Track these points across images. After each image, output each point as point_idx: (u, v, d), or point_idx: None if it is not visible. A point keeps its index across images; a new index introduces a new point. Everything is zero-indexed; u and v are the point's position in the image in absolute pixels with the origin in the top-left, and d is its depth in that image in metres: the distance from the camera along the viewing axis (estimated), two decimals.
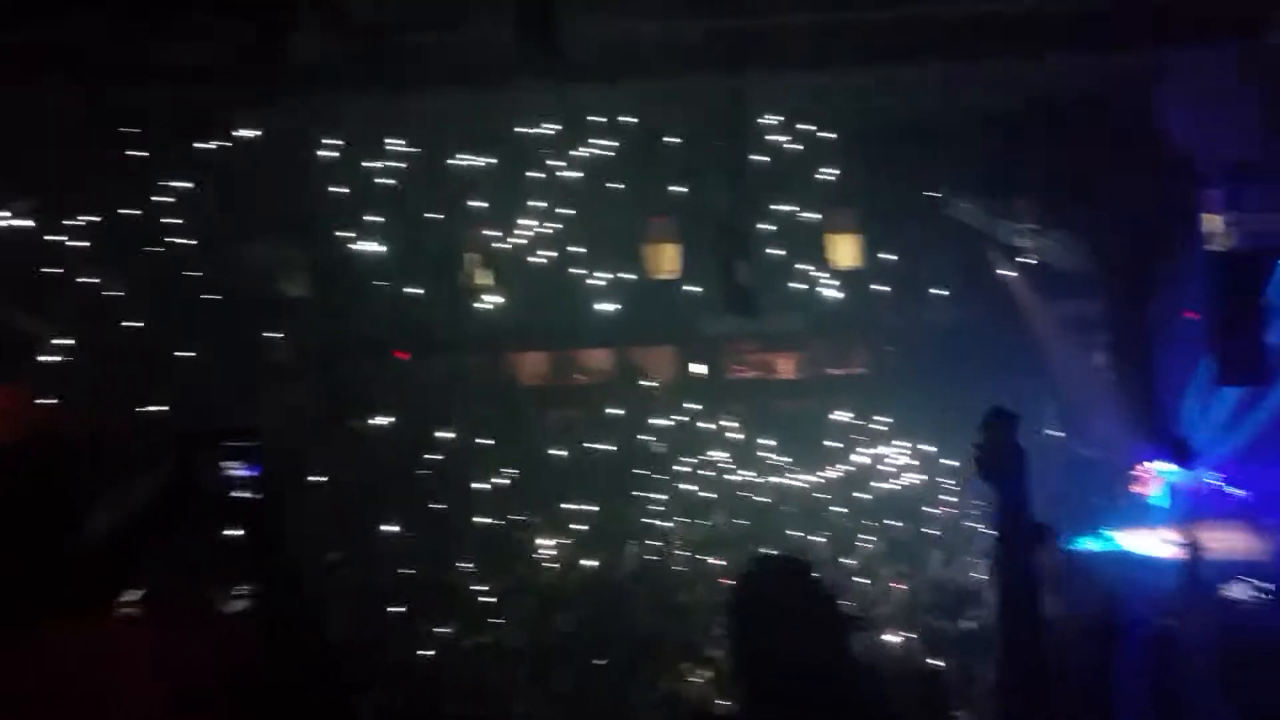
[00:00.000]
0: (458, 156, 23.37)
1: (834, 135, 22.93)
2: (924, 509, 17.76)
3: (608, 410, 21.66)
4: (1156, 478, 17.29)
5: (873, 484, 19.05)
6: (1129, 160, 18.42)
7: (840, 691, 2.54)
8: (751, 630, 2.63)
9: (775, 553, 2.86)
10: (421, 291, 21.16)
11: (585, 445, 20.67)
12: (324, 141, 20.86)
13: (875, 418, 21.25)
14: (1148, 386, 15.02)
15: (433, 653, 13.28)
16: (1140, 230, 15.73)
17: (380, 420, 18.90)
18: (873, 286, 22.25)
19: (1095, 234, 16.64)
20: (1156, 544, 17.15)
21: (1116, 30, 17.41)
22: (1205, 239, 19.81)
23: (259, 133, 19.41)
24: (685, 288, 21.90)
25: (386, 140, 22.36)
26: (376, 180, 22.21)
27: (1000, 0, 16.33)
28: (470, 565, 15.94)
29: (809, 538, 16.61)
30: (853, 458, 20.05)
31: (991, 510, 2.82)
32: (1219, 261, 17.10)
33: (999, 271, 21.33)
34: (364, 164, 22.28)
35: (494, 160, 23.11)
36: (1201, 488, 16.52)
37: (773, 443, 20.44)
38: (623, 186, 22.91)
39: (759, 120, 22.64)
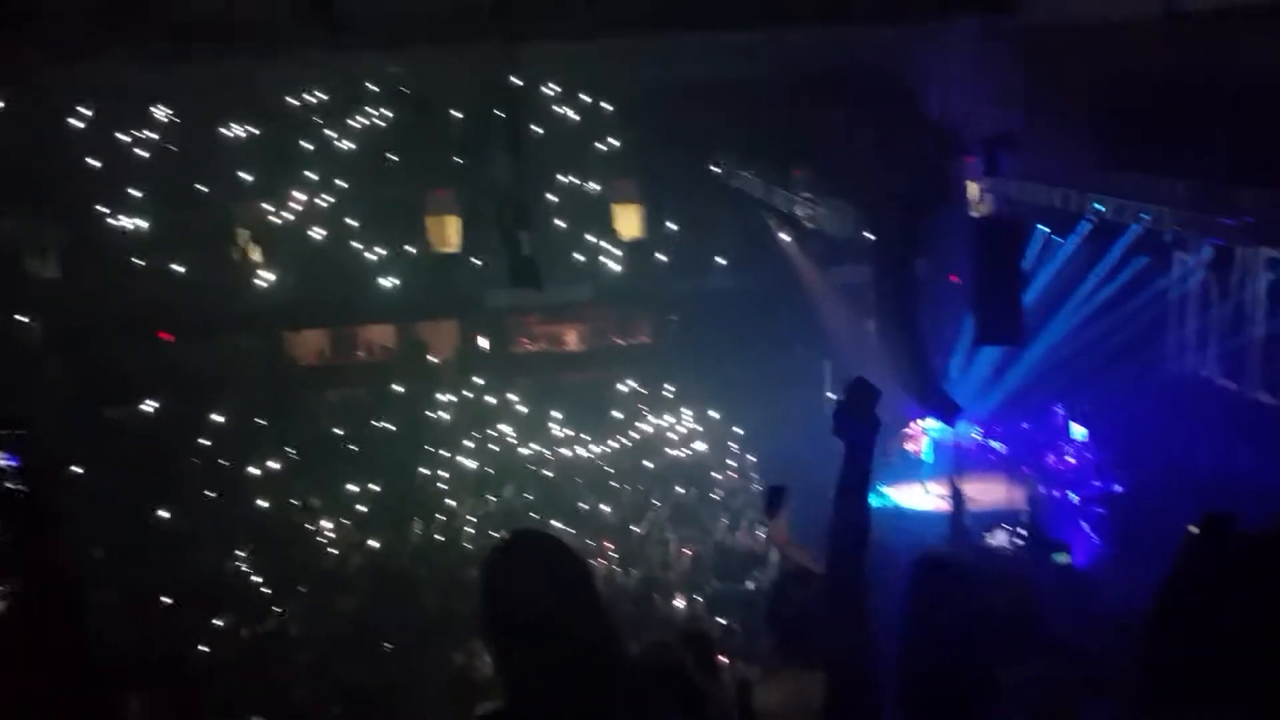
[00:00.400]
0: (227, 127, 22.48)
1: (614, 107, 23.13)
2: (711, 474, 18.04)
3: (391, 387, 21.22)
4: (923, 435, 18.11)
5: (660, 452, 19.25)
6: (897, 130, 19.15)
7: (589, 671, 2.48)
8: (498, 610, 2.54)
9: (525, 531, 2.79)
10: (185, 269, 20.38)
11: (368, 424, 20.18)
12: (79, 111, 19.68)
13: (661, 386, 21.51)
14: (914, 347, 15.63)
15: (207, 647, 12.68)
16: (907, 197, 16.32)
17: (145, 406, 17.92)
18: (656, 256, 22.56)
19: (865, 201, 17.20)
20: (924, 498, 18.05)
21: (885, 3, 18.09)
22: (967, 206, 20.88)
23: (2, 104, 18.14)
24: (469, 260, 21.71)
25: (149, 110, 21.28)
26: (137, 152, 21.13)
27: None
28: (248, 552, 15.30)
29: (599, 507, 16.66)
30: (640, 427, 20.21)
31: (841, 464, 2.91)
32: (979, 227, 17.99)
33: (778, 239, 21.91)
34: (123, 135, 21.15)
35: (266, 131, 22.30)
36: (964, 443, 17.36)
37: (560, 415, 20.41)
38: (402, 159, 22.49)
39: (539, 91, 22.60)
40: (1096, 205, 17.26)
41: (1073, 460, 18.12)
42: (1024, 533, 14.67)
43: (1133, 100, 16.67)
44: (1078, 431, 18.52)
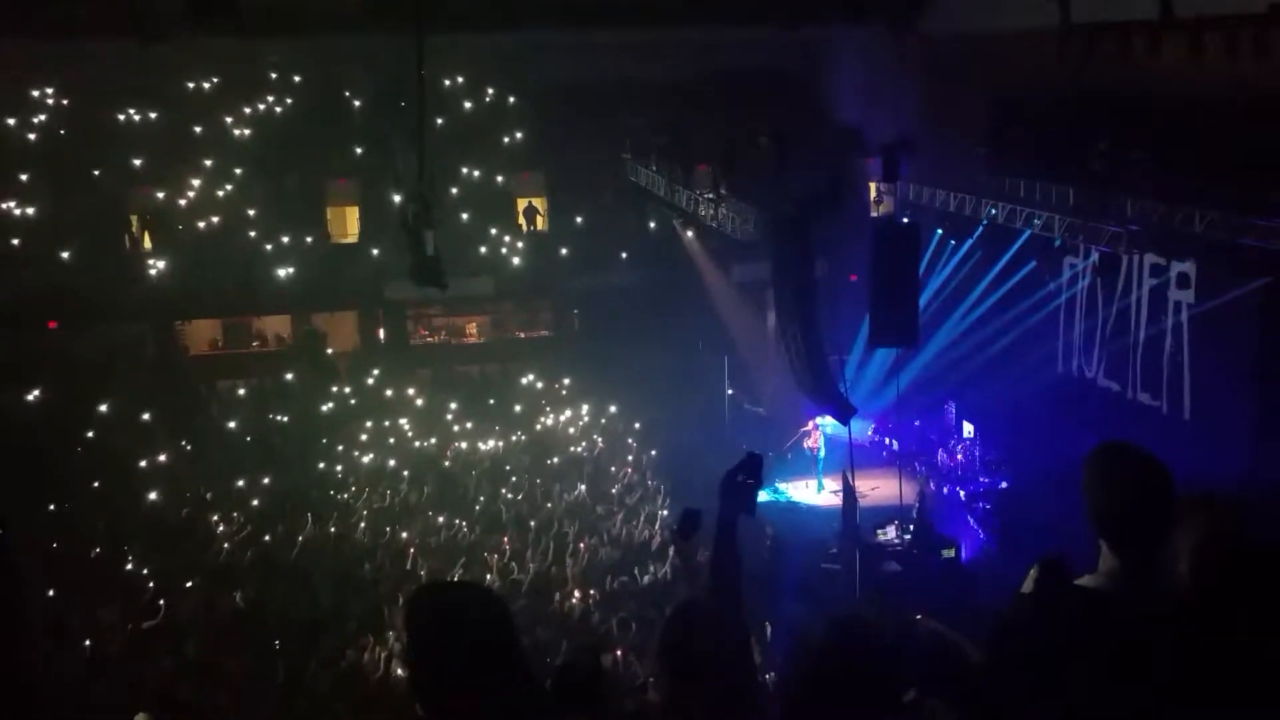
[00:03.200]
0: (122, 112, 21.83)
1: (520, 101, 23.05)
2: (609, 469, 18.08)
3: (286, 378, 20.87)
4: (819, 432, 18.42)
5: (559, 447, 19.22)
6: (799, 131, 19.41)
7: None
8: (421, 657, 2.64)
9: (448, 583, 3.10)
10: (74, 256, 19.72)
11: (262, 416, 19.82)
12: None
13: (562, 381, 21.50)
14: (811, 346, 15.85)
15: (89, 641, 12.36)
16: (806, 198, 16.54)
17: (29, 395, 17.35)
18: (560, 250, 22.53)
19: (767, 201, 17.40)
20: (819, 494, 18.35)
21: (784, 6, 18.34)
22: (867, 207, 21.27)
23: None
24: (368, 251, 21.44)
25: (34, 91, 20.59)
26: (26, 136, 20.42)
27: None
28: (136, 545, 14.92)
29: (496, 502, 16.58)
30: (539, 421, 20.17)
31: (718, 517, 3.26)
32: (876, 229, 18.34)
33: (680, 237, 22.05)
34: (10, 118, 20.43)
35: (162, 117, 21.73)
36: (858, 440, 17.69)
37: (457, 407, 20.28)
38: (301, 147, 22.11)
39: (444, 83, 22.42)
40: (990, 210, 17.76)
41: (961, 457, 18.60)
42: (913, 528, 15.01)
43: (1025, 110, 17.14)
44: (967, 429, 19.01)
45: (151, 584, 13.86)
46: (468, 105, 22.33)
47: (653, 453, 18.69)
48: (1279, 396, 13.05)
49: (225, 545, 14.99)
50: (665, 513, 15.68)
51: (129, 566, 14.41)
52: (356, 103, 22.08)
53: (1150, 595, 2.50)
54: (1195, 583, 2.61)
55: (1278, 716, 2.20)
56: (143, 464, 17.07)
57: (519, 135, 22.48)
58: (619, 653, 11.00)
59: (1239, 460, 12.84)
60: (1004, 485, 17.38)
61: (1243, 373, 13.66)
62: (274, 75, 21.69)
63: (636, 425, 19.75)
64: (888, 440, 19.28)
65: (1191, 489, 2.81)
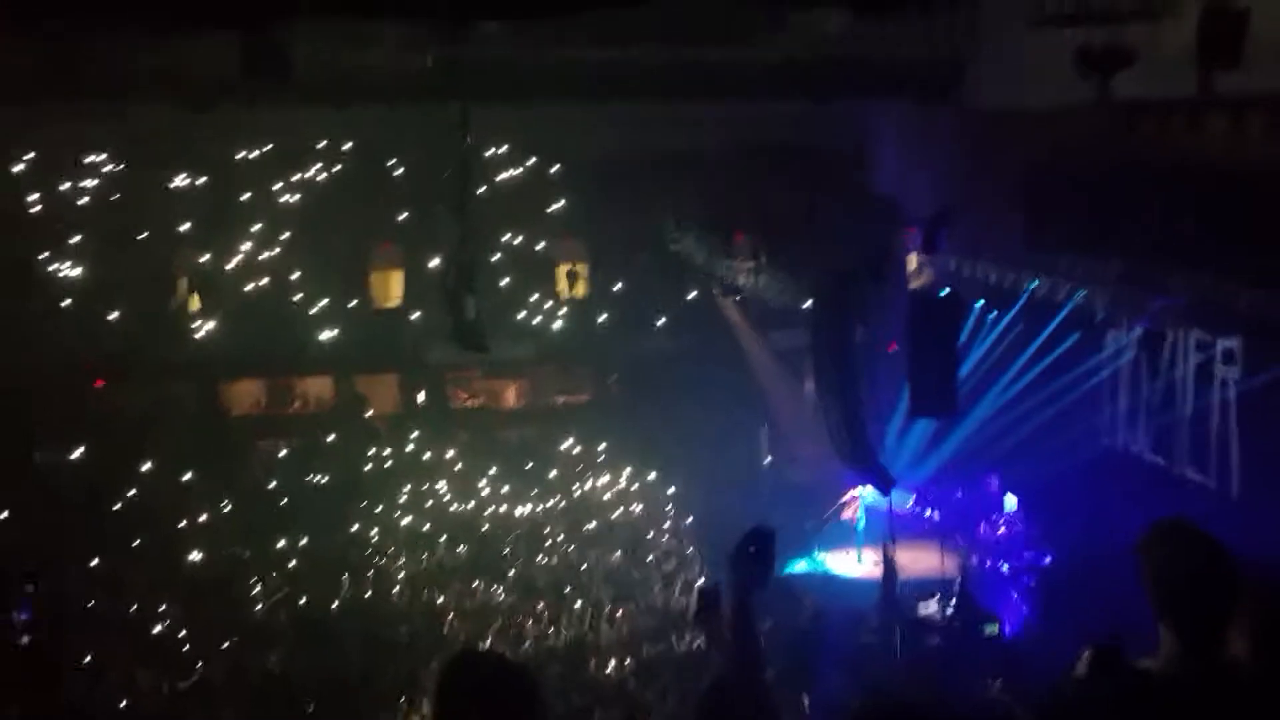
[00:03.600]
0: (171, 177, 22.30)
1: (561, 169, 23.34)
2: (647, 535, 18.02)
3: (327, 440, 21.00)
4: (858, 502, 18.25)
5: (596, 512, 19.19)
6: (839, 202, 19.52)
7: None
8: None
9: (480, 653, 3.09)
10: (117, 315, 20.04)
11: (301, 477, 19.93)
12: (14, 154, 19.49)
13: (600, 446, 21.50)
14: (850, 415, 15.79)
15: (127, 700, 12.39)
16: (847, 268, 16.58)
17: (73, 454, 17.59)
18: (599, 316, 22.67)
19: (806, 271, 17.47)
20: (858, 565, 18.15)
21: (822, 81, 18.55)
22: (906, 278, 21.27)
23: None
24: (411, 315, 21.67)
25: (91, 157, 21.08)
26: (77, 200, 20.91)
27: (708, 48, 17.18)
28: (175, 605, 14.98)
29: (534, 566, 16.55)
30: (577, 486, 20.15)
31: (732, 592, 3.23)
32: (916, 300, 18.32)
33: (720, 304, 22.12)
34: (62, 182, 20.91)
35: (210, 181, 22.18)
36: (898, 511, 17.51)
37: (497, 472, 20.30)
38: (346, 212, 22.47)
39: (486, 153, 22.77)
40: (1031, 283, 17.70)
41: (1004, 530, 18.34)
42: (955, 602, 14.79)
43: (1066, 182, 17.15)
44: (1010, 502, 18.77)
45: (188, 645, 13.89)
46: (509, 173, 22.63)
47: (689, 520, 18.60)
48: None
49: (260, 606, 15.01)
50: (703, 580, 15.56)
51: (166, 626, 14.46)
52: (401, 169, 22.44)
53: (1210, 677, 2.45)
54: (1255, 662, 2.57)
55: None
56: (183, 524, 17.18)
57: (559, 202, 22.73)
58: None
59: None
60: (1048, 560, 17.10)
61: None
62: (323, 143, 22.09)
63: (672, 490, 19.67)
64: (929, 512, 19.06)
65: (1246, 569, 2.77)
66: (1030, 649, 14.20)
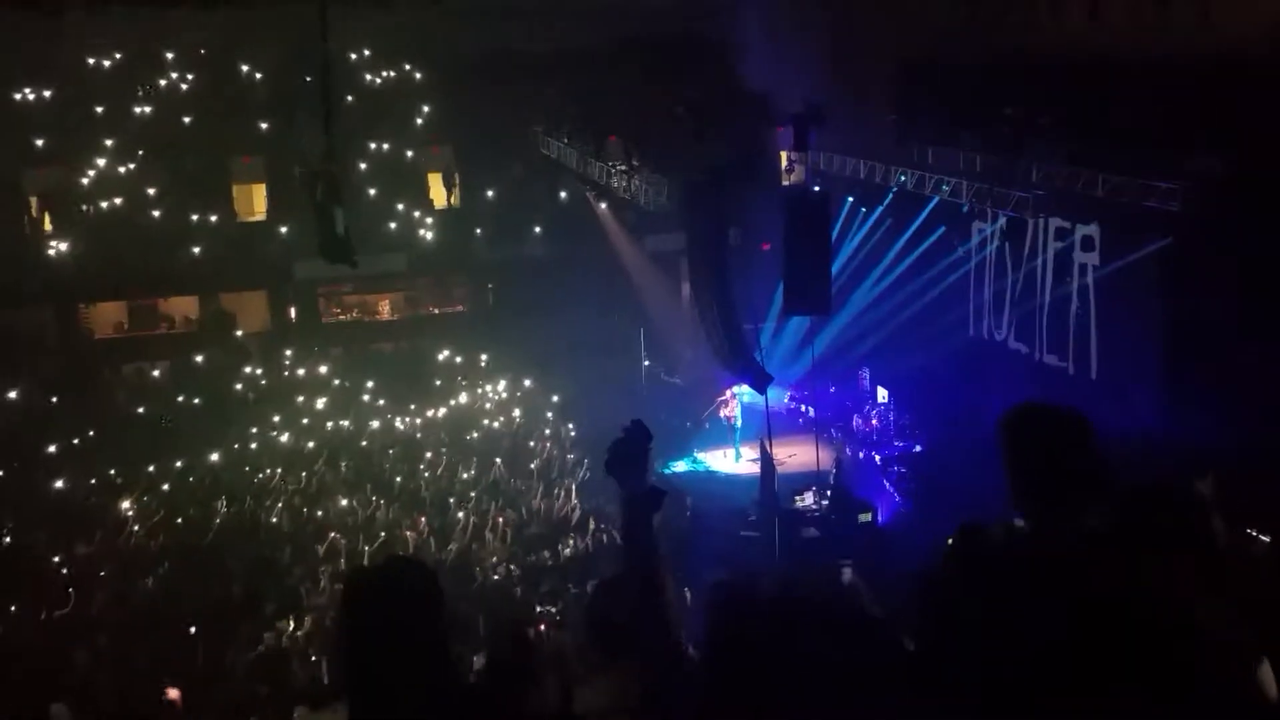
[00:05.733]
0: (18, 90, 21.03)
1: (429, 74, 22.69)
2: (528, 443, 17.97)
3: (196, 360, 20.40)
4: (735, 400, 18.51)
5: (476, 423, 19.06)
6: (709, 100, 19.39)
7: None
8: (357, 640, 2.57)
9: (388, 562, 2.94)
10: None
11: (173, 399, 19.36)
12: None
13: (478, 356, 21.31)
14: (726, 316, 15.90)
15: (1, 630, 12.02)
16: (719, 168, 16.54)
17: None
18: (472, 225, 22.27)
19: (678, 171, 17.38)
20: (737, 462, 18.47)
21: None
22: (778, 176, 21.37)
23: None
24: (277, 230, 20.99)
25: None
26: None
27: None
28: (44, 533, 14.51)
29: (416, 479, 16.40)
30: (456, 398, 19.98)
31: (619, 496, 3.11)
32: (788, 198, 18.43)
33: (594, 209, 21.93)
34: None
35: (61, 95, 20.98)
36: (775, 408, 17.82)
37: (373, 385, 19.99)
38: (206, 125, 21.52)
39: (351, 56, 21.99)
40: (899, 177, 17.96)
41: (876, 422, 18.86)
42: (830, 494, 15.19)
43: (932, 77, 17.34)
44: (881, 394, 19.26)
45: (63, 571, 13.50)
46: (374, 79, 21.95)
47: (570, 426, 18.62)
48: (1183, 354, 13.41)
49: (136, 529, 14.62)
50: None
51: (38, 554, 14.02)
52: (259, 76, 21.58)
53: (1070, 544, 2.53)
54: (1112, 535, 2.65)
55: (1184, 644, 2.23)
56: (50, 449, 16.59)
57: (428, 109, 22.16)
58: (542, 626, 10.98)
59: (1145, 418, 13.20)
60: (918, 449, 17.66)
61: (1147, 332, 14.02)
62: (175, 50, 21.11)
63: (554, 399, 19.65)
64: (804, 407, 19.46)
65: (1104, 449, 2.84)
66: (903, 534, 14.71)
